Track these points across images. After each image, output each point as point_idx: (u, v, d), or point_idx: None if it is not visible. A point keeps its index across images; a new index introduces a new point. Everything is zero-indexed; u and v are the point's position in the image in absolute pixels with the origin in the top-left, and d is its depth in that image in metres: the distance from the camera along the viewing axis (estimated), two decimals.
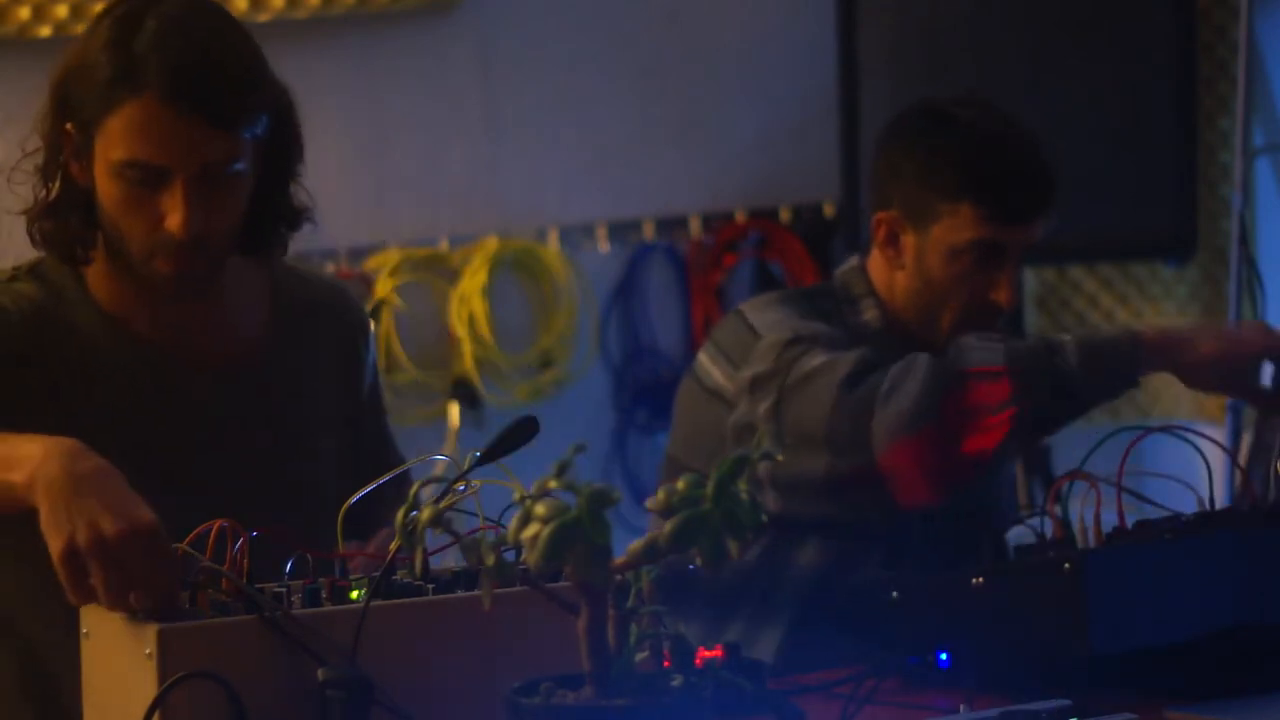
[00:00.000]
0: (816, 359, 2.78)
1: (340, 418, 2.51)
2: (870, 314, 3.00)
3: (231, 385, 2.42)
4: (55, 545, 1.98)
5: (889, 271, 3.00)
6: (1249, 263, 4.47)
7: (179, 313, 2.39)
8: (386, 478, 2.21)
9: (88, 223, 2.35)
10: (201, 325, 2.41)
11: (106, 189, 2.30)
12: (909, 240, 2.96)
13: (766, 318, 2.93)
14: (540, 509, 1.69)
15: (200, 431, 2.38)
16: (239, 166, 2.29)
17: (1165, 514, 2.39)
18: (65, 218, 2.35)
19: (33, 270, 2.41)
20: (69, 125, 2.31)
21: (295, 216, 2.44)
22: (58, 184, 2.34)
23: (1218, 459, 2.71)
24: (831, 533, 2.93)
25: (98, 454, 2.04)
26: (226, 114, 2.27)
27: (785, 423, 2.77)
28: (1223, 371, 2.60)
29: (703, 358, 3.01)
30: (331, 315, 2.54)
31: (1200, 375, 2.62)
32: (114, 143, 2.27)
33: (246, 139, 2.29)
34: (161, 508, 2.01)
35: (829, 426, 2.69)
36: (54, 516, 1.99)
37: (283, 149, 2.39)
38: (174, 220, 2.27)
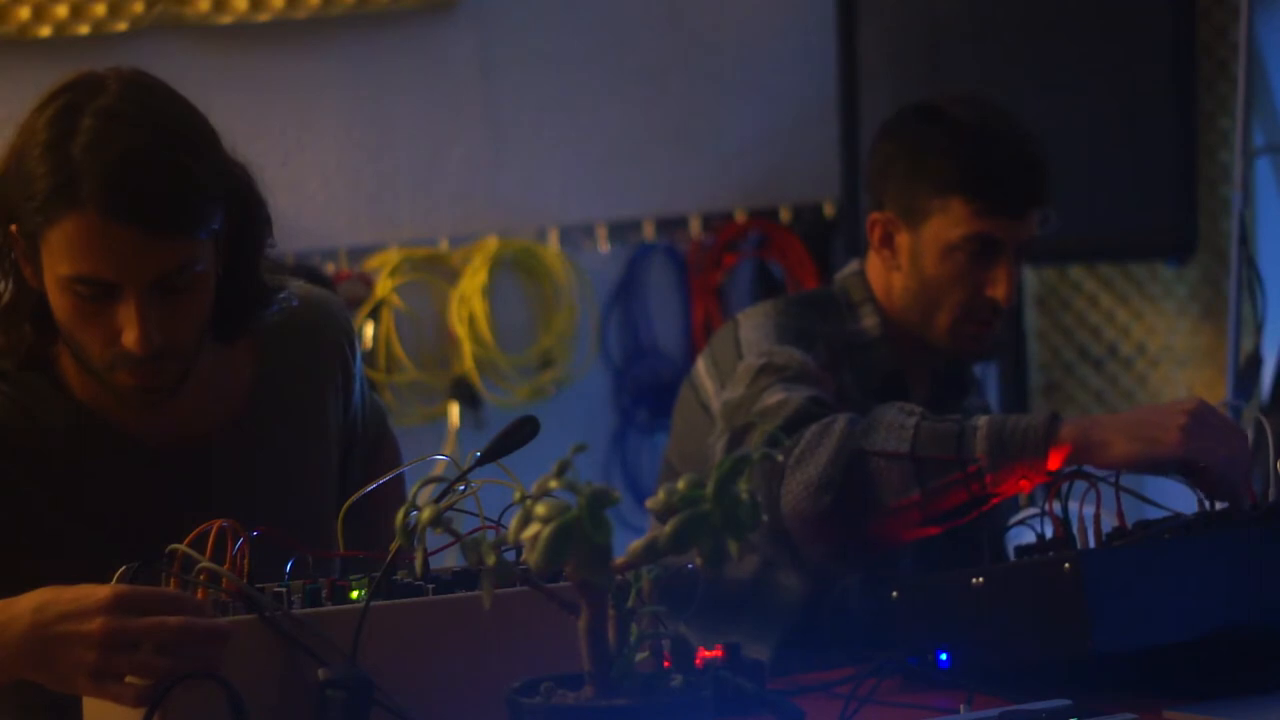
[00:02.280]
0: (774, 396, 2.72)
1: (339, 435, 2.46)
2: (869, 320, 2.98)
3: (222, 454, 2.32)
4: (82, 686, 1.92)
5: (886, 274, 2.99)
6: (1249, 263, 4.47)
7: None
8: (386, 478, 2.20)
9: (44, 328, 2.22)
10: (183, 405, 2.28)
11: (57, 301, 2.17)
12: (903, 240, 2.96)
13: (752, 334, 2.90)
14: (540, 509, 1.68)
15: (193, 509, 2.21)
16: (197, 269, 2.16)
17: (1165, 514, 2.39)
18: (19, 324, 2.23)
19: None
20: (13, 227, 2.17)
21: (267, 296, 2.31)
22: (9, 286, 2.22)
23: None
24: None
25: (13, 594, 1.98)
26: (174, 222, 2.13)
27: None
28: (1145, 471, 2.46)
29: (700, 367, 3.00)
30: (315, 337, 2.43)
31: (1122, 471, 2.44)
32: (58, 257, 2.13)
33: (202, 239, 2.16)
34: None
35: (755, 479, 2.60)
36: (53, 669, 1.93)
37: (246, 233, 2.26)
38: (129, 337, 2.14)
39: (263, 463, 2.35)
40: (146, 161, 2.12)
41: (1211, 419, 2.45)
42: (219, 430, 2.34)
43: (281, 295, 2.34)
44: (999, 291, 2.91)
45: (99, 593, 1.91)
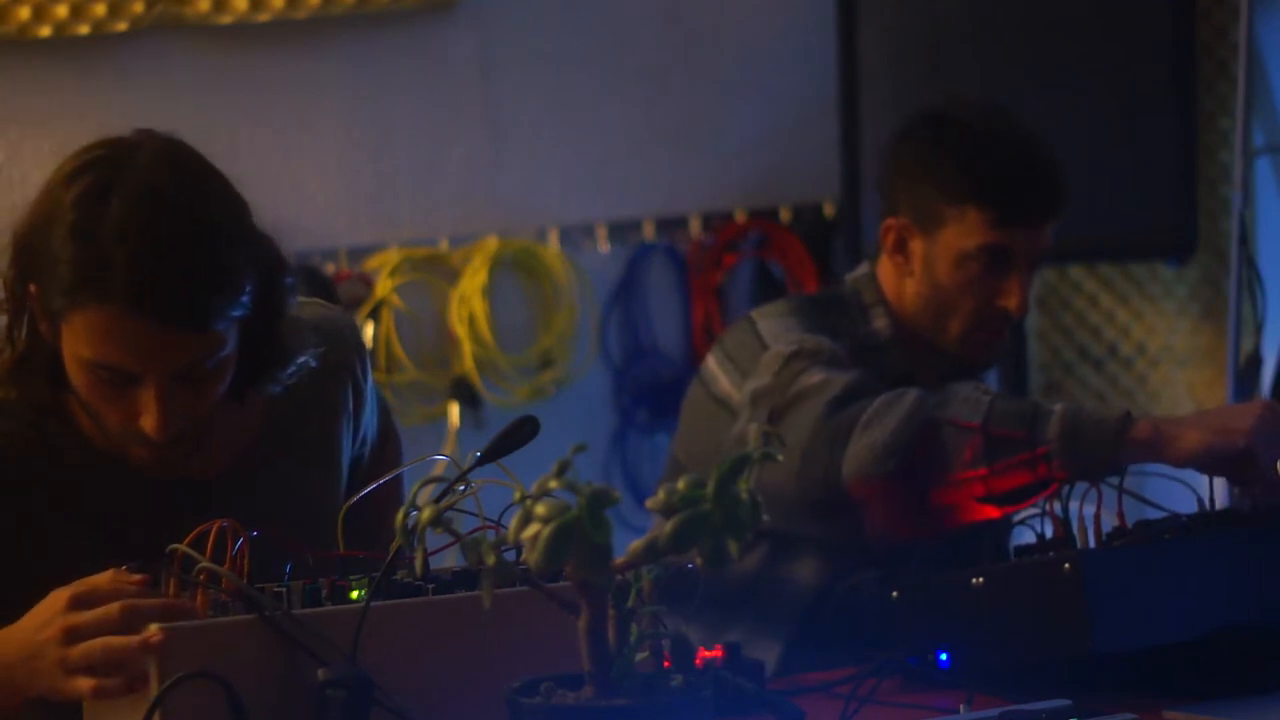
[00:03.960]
0: (814, 376, 2.74)
1: (349, 459, 2.45)
2: (880, 323, 2.99)
3: (231, 493, 2.30)
4: (65, 686, 1.98)
5: (898, 278, 2.99)
6: (1249, 263, 4.47)
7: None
8: (386, 478, 2.20)
9: (58, 379, 2.19)
10: (195, 448, 2.26)
11: (75, 376, 2.16)
12: (917, 246, 2.96)
13: (774, 327, 2.91)
14: (540, 509, 1.68)
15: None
16: (221, 356, 2.15)
17: (1165, 514, 2.39)
18: (34, 378, 2.21)
19: (5, 405, 2.25)
20: (33, 287, 2.15)
21: (286, 360, 2.28)
22: (22, 339, 2.19)
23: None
24: (829, 547, 2.92)
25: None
26: (203, 319, 2.10)
27: None
28: (1211, 465, 2.46)
29: (711, 363, 3.00)
30: (325, 369, 2.38)
31: (1189, 465, 2.46)
32: (81, 340, 2.11)
33: (227, 329, 2.13)
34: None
35: (807, 446, 2.64)
36: (40, 680, 2.00)
37: (270, 302, 2.21)
38: (149, 424, 2.13)
39: (270, 498, 2.34)
40: (177, 256, 2.08)
41: None
42: (229, 467, 2.33)
43: (299, 360, 2.30)
44: (1012, 302, 2.92)
45: (58, 600, 1.98)
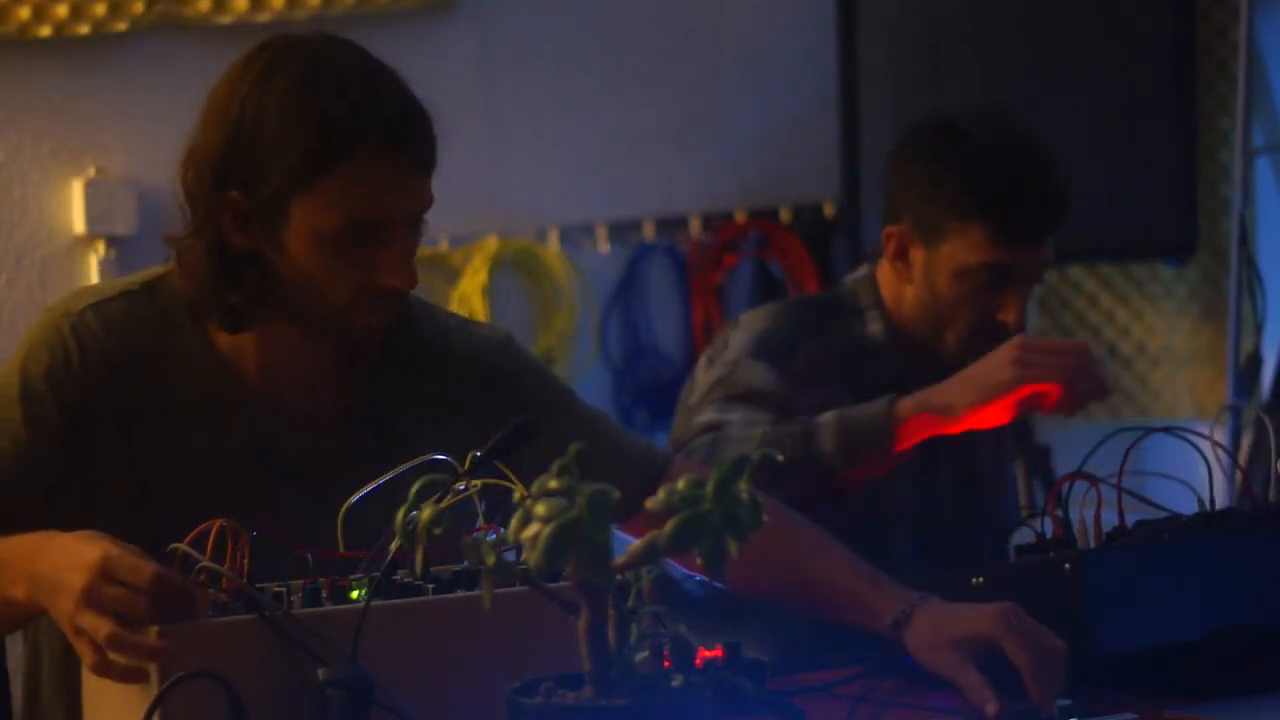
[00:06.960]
0: (705, 415, 2.81)
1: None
2: (875, 326, 2.99)
3: (326, 443, 2.32)
4: (68, 634, 1.99)
5: (899, 284, 2.98)
6: (1249, 263, 4.48)
7: (289, 365, 2.31)
8: (385, 478, 2.17)
9: (259, 288, 2.24)
10: (309, 382, 2.33)
11: (306, 254, 2.22)
12: (918, 255, 2.95)
13: (738, 340, 2.94)
14: (540, 509, 1.68)
15: (285, 487, 2.29)
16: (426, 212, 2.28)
17: (1165, 514, 2.39)
18: (237, 286, 2.24)
19: (149, 286, 2.31)
20: (235, 193, 2.21)
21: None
22: (209, 256, 2.24)
23: (1218, 459, 2.71)
24: None
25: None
26: (430, 157, 2.27)
27: None
28: (999, 419, 2.59)
29: (700, 364, 3.01)
30: (458, 369, 2.44)
31: (975, 428, 2.57)
32: (327, 207, 2.20)
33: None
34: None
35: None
36: (53, 613, 2.00)
37: None
38: (397, 274, 2.24)
39: (373, 452, 2.30)
40: (404, 102, 2.27)
41: (1037, 344, 2.65)
42: (339, 413, 2.35)
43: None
44: (1010, 316, 2.91)
45: (92, 552, 1.96)
